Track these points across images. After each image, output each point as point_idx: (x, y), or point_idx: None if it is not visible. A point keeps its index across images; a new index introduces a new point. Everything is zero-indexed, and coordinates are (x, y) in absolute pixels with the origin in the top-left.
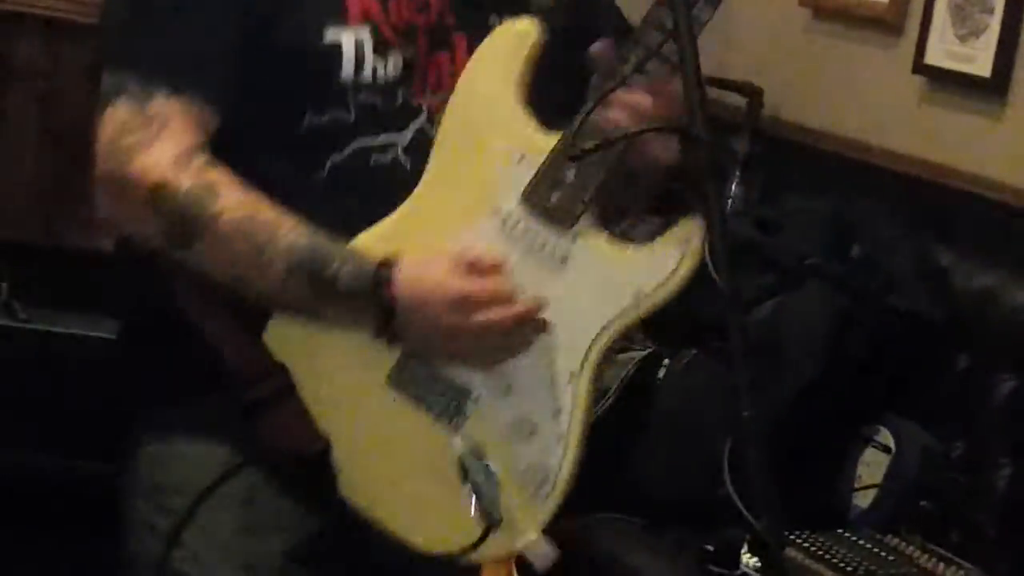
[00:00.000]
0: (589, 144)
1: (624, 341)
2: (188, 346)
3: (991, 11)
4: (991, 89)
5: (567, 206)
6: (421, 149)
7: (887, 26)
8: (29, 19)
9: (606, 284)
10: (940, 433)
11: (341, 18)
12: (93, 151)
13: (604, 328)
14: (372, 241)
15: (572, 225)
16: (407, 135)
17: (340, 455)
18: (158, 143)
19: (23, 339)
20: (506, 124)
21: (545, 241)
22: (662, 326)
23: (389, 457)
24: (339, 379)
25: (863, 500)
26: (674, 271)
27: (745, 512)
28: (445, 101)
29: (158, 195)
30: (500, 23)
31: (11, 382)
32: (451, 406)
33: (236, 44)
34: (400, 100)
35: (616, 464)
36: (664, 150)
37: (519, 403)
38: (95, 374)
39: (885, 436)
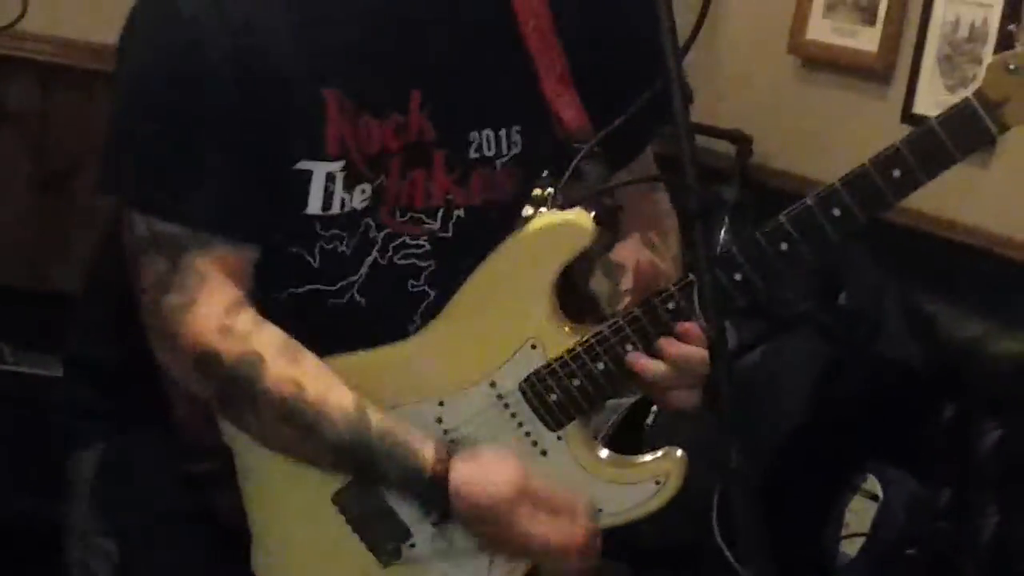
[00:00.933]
0: (582, 192)
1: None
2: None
3: (979, 61)
4: None
5: (562, 410)
6: (375, 282)
7: (876, 75)
8: (22, 63)
9: (573, 492)
10: (927, 481)
11: (318, 151)
12: (137, 292)
13: None
14: (361, 367)
15: (560, 428)
16: (362, 272)
17: (264, 545)
18: (200, 305)
19: (10, 382)
20: (532, 308)
21: (530, 430)
22: None
23: (309, 567)
24: (283, 481)
25: (850, 548)
26: (634, 508)
27: (733, 561)
28: (407, 227)
29: (205, 364)
30: (480, 138)
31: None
32: (388, 545)
33: (249, 173)
34: (363, 231)
35: None
36: (687, 399)
37: (449, 568)
38: None
39: (872, 484)
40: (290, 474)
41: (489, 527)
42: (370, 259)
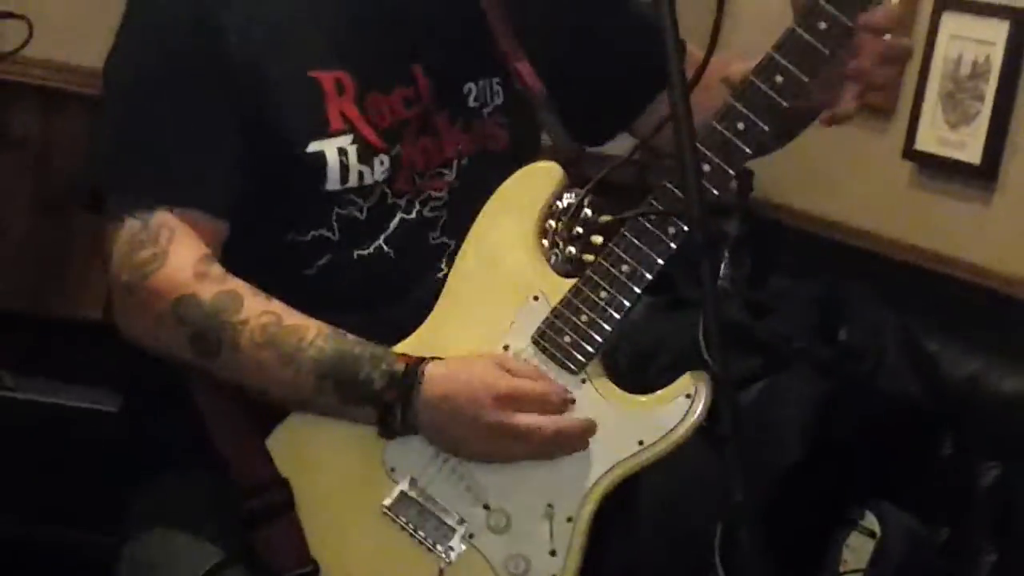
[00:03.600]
0: (607, 217)
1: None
2: (192, 419)
3: (981, 98)
4: (981, 176)
5: (578, 351)
6: (404, 237)
7: (878, 111)
8: (25, 88)
9: (610, 431)
10: (925, 518)
11: (323, 129)
12: (106, 268)
13: (605, 474)
14: None
15: (581, 369)
16: (391, 228)
17: (333, 572)
18: (173, 254)
19: (11, 409)
20: (524, 264)
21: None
22: None
23: None
24: (335, 502)
25: None
26: (677, 426)
27: None
28: (427, 186)
29: (182, 307)
30: (475, 89)
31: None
32: (443, 539)
33: (237, 154)
34: (383, 202)
35: (604, 545)
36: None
37: (514, 541)
38: (85, 444)
39: (870, 520)
40: (346, 497)
41: (468, 415)
42: (395, 221)
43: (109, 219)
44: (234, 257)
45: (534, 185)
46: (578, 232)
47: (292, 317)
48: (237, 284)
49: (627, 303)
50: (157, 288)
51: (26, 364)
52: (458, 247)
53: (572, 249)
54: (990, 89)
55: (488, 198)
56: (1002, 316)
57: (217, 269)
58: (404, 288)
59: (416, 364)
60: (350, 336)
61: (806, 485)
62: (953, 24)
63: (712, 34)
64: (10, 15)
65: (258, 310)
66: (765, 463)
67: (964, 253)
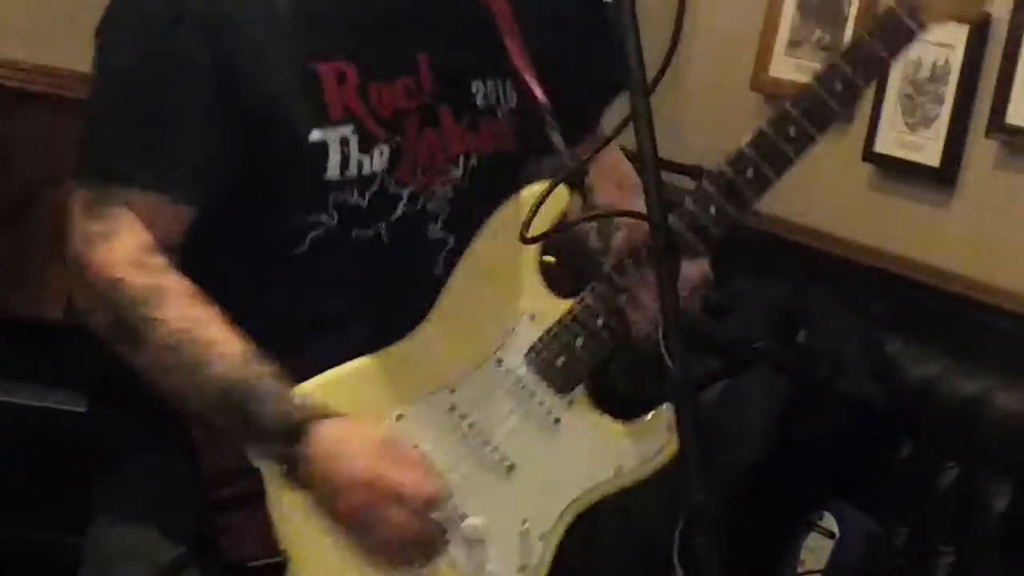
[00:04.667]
0: (548, 227)
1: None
2: (158, 412)
3: (941, 101)
4: (940, 178)
5: (570, 372)
6: (403, 229)
7: None
8: None
9: (592, 453)
10: (884, 519)
11: (323, 118)
12: (64, 226)
13: (581, 495)
14: (364, 372)
15: (570, 390)
16: (392, 218)
17: (302, 566)
18: (119, 237)
19: None
20: (521, 284)
21: (543, 400)
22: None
23: None
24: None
25: None
26: (656, 454)
27: None
28: (432, 180)
29: (110, 290)
30: (483, 88)
31: None
32: None
33: (217, 146)
34: (385, 190)
35: (562, 544)
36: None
37: (487, 554)
38: (44, 444)
39: (829, 521)
40: None
41: (336, 490)
42: (398, 212)
43: (75, 189)
44: (224, 233)
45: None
46: (577, 253)
47: (210, 331)
48: (172, 282)
49: (622, 332)
50: (94, 264)
51: None
52: (458, 244)
53: (571, 270)
54: (949, 92)
55: (495, 201)
56: (961, 318)
57: (157, 260)
58: (396, 278)
59: (307, 419)
60: (262, 367)
61: (765, 486)
62: None
63: (673, 36)
64: None
65: (179, 313)
66: (725, 464)
67: (923, 255)
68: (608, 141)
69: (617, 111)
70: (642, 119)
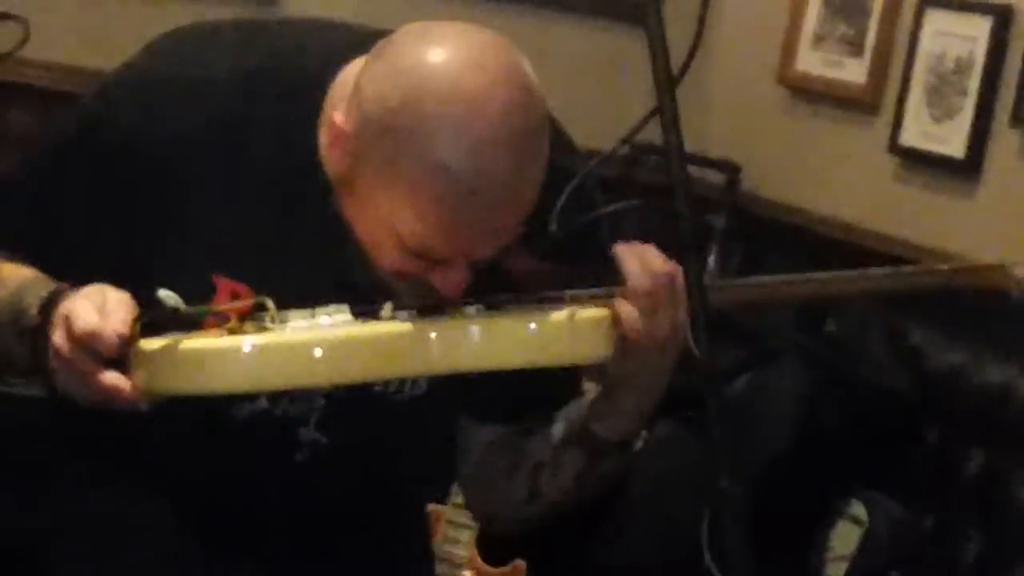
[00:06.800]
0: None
1: None
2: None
3: (965, 93)
4: (964, 169)
5: None
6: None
7: (863, 106)
8: (23, 89)
9: None
10: (911, 506)
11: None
12: None
13: None
14: None
15: None
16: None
17: None
18: None
19: None
20: None
21: None
22: None
23: None
24: None
25: (836, 571)
26: None
27: None
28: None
29: None
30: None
31: None
32: None
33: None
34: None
35: (593, 536)
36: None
37: None
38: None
39: (857, 508)
40: None
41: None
42: (253, 406)
43: None
44: None
45: None
46: None
47: (4, 268)
48: None
49: None
50: None
51: None
52: (333, 447)
53: None
54: (973, 84)
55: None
56: (985, 306)
57: None
58: (254, 464)
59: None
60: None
61: (794, 475)
62: (937, 20)
63: (697, 30)
64: (7, 16)
65: None
66: (753, 453)
67: (948, 245)
68: (633, 134)
69: (642, 106)
70: (668, 113)
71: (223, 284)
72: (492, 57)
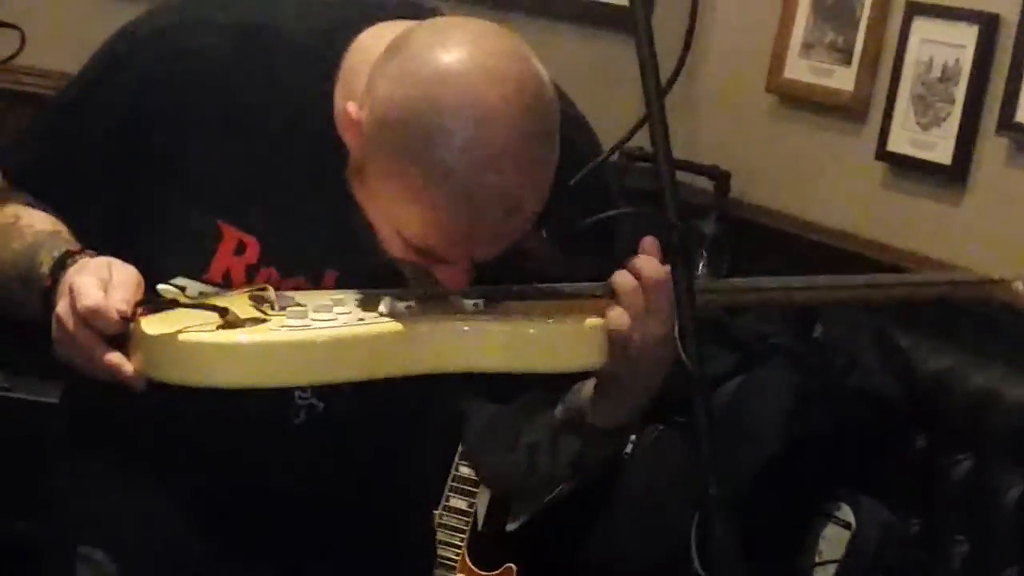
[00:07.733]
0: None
1: None
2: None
3: (952, 100)
4: (951, 176)
5: None
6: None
7: (851, 113)
8: (20, 96)
9: None
10: (899, 510)
11: (199, 270)
12: None
13: None
14: None
15: None
16: None
17: None
18: None
19: None
20: None
21: None
22: None
23: None
24: None
25: (823, 575)
26: None
27: None
28: None
29: None
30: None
31: None
32: None
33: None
34: None
35: (582, 539)
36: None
37: None
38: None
39: (845, 512)
40: None
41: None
42: None
43: None
44: None
45: None
46: None
47: (33, 217)
48: (18, 199)
49: None
50: None
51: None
52: (328, 411)
53: None
54: (960, 91)
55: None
56: (972, 312)
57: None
58: (251, 431)
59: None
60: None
61: (783, 478)
62: (924, 28)
63: (686, 38)
64: (2, 24)
65: (12, 210)
66: (742, 457)
67: (935, 251)
68: (623, 142)
69: (632, 113)
70: (657, 120)
71: (230, 232)
72: (506, 67)
